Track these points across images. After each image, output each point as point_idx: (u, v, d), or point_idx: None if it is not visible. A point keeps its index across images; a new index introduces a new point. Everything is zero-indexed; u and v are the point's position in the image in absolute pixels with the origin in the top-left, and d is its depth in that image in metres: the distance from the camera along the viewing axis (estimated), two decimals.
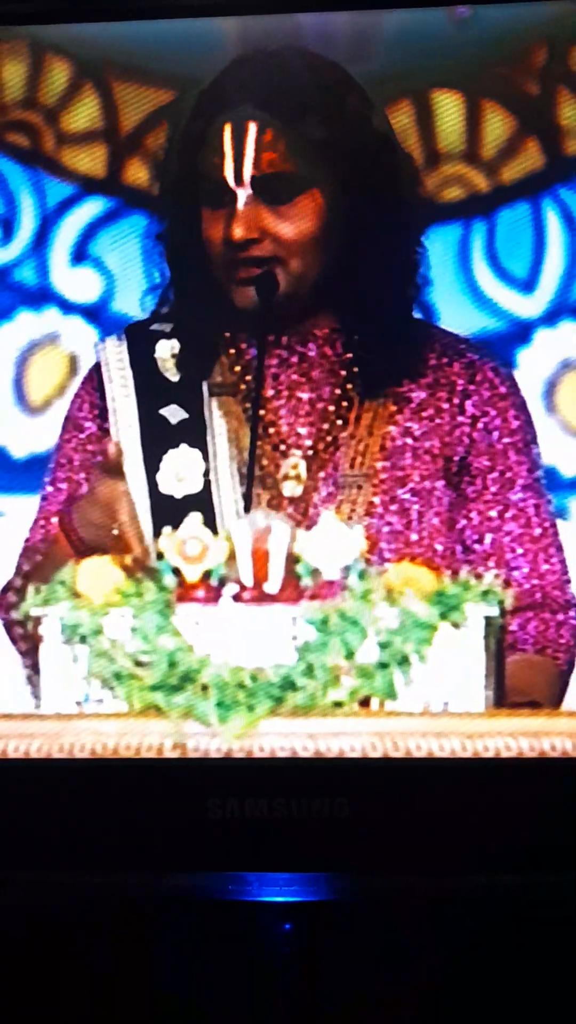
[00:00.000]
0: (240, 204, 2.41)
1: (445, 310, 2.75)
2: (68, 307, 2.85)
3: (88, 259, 2.85)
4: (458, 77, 2.82)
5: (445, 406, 2.49)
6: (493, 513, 2.47)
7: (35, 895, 2.12)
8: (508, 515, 2.47)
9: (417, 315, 2.54)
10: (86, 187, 2.84)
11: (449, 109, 2.83)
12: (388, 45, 2.78)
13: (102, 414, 2.51)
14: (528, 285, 2.82)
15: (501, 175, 2.82)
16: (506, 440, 2.49)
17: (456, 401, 2.49)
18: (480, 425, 2.48)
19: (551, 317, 2.81)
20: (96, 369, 2.55)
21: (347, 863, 2.03)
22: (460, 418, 2.49)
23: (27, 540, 2.53)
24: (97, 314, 2.83)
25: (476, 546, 2.47)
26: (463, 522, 2.48)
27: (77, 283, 2.84)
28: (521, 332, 2.81)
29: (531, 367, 2.80)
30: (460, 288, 2.80)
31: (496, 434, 2.49)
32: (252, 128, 2.41)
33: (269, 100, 2.41)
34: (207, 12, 2.74)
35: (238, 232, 2.41)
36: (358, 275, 2.45)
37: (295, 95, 2.43)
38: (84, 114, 2.85)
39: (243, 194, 2.41)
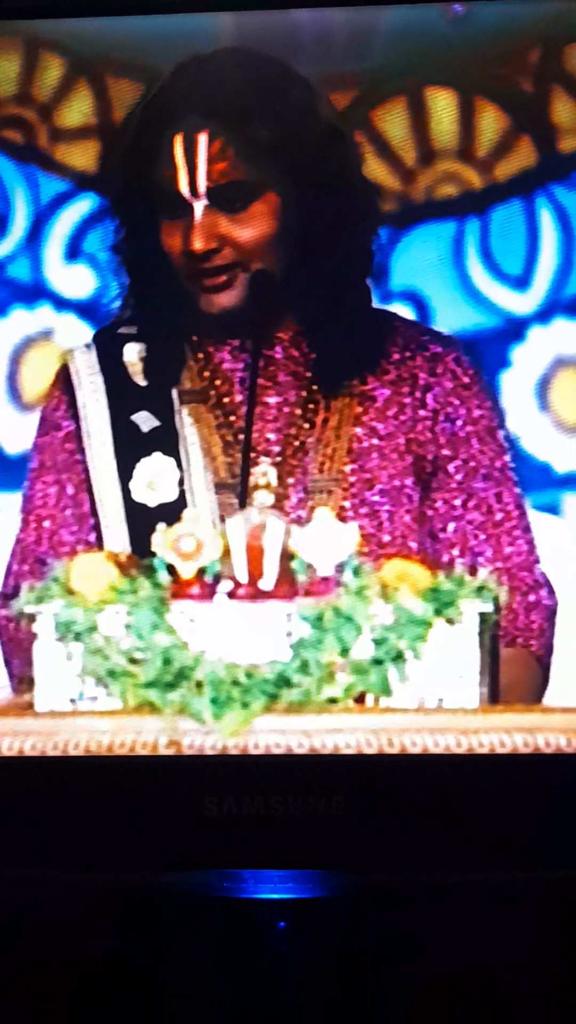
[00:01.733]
0: (197, 215, 2.43)
1: (439, 307, 2.75)
2: (62, 303, 2.84)
3: (82, 256, 2.84)
4: (452, 75, 2.82)
5: (407, 400, 2.49)
6: (457, 502, 2.47)
7: (28, 893, 2.11)
8: (471, 504, 2.47)
9: (379, 306, 2.54)
10: (80, 183, 2.84)
11: (443, 107, 2.83)
12: (383, 42, 2.78)
13: (77, 415, 2.51)
14: (522, 282, 2.82)
15: (495, 172, 2.82)
16: (468, 428, 2.49)
17: (417, 395, 2.50)
18: (442, 417, 2.49)
19: (545, 314, 2.81)
20: (66, 373, 2.54)
21: (342, 860, 2.03)
22: (421, 412, 2.49)
23: (20, 540, 2.52)
24: (91, 311, 2.82)
25: (441, 534, 2.47)
26: (430, 512, 2.48)
27: (71, 280, 2.84)
28: (515, 329, 2.81)
29: (525, 364, 2.80)
30: (454, 285, 2.80)
31: (459, 423, 2.49)
32: (202, 139, 2.43)
33: (214, 107, 2.43)
34: (202, 8, 2.74)
35: (198, 244, 2.42)
36: (317, 267, 2.45)
37: (238, 98, 2.44)
38: (78, 110, 2.85)
39: (199, 205, 2.43)
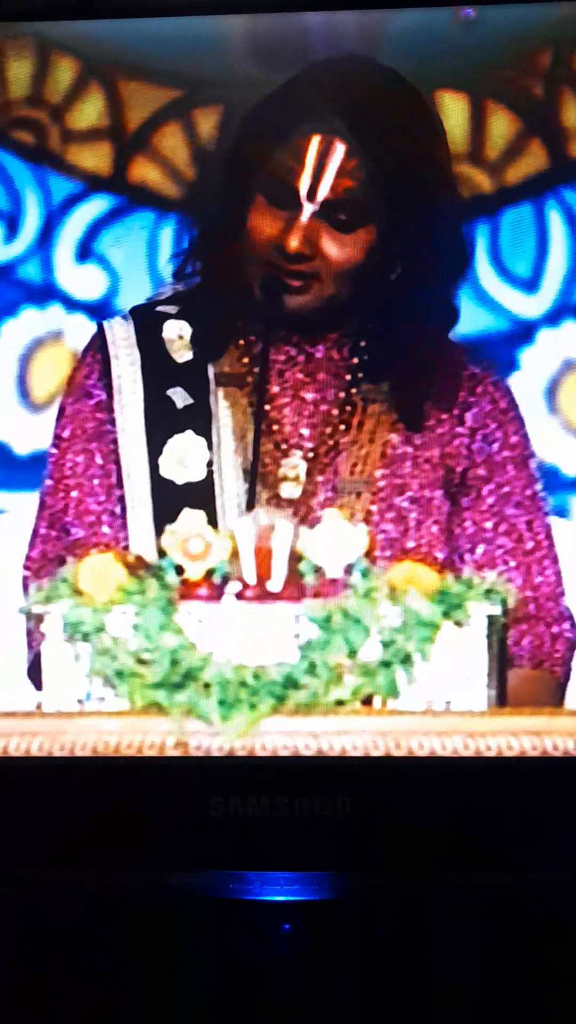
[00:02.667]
0: (304, 217, 2.40)
1: None
2: (72, 304, 2.85)
3: (92, 256, 2.85)
4: (463, 78, 2.82)
5: (445, 416, 2.49)
6: (488, 524, 2.48)
7: (35, 894, 2.11)
8: (501, 529, 2.47)
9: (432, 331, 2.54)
10: (91, 184, 2.84)
11: (454, 110, 2.83)
12: (393, 46, 2.78)
13: (109, 384, 2.51)
14: (531, 285, 2.82)
15: (505, 176, 2.82)
16: (505, 454, 2.50)
17: (456, 412, 2.50)
18: (479, 437, 2.49)
19: (554, 317, 2.82)
20: (102, 343, 2.53)
21: (348, 862, 2.02)
22: (459, 429, 2.49)
23: (49, 506, 2.51)
24: (101, 311, 2.83)
25: (468, 555, 2.47)
26: (458, 531, 2.48)
27: (81, 280, 2.84)
28: (524, 332, 2.81)
29: (534, 367, 2.81)
30: (464, 287, 2.80)
31: (496, 446, 2.49)
32: (339, 149, 2.39)
33: (359, 121, 2.39)
34: (213, 10, 2.74)
35: (294, 243, 2.40)
36: (388, 306, 2.44)
37: (379, 118, 2.41)
38: (90, 112, 2.85)
39: (310, 208, 2.41)
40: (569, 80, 2.83)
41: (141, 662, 1.91)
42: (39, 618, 1.94)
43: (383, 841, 2.00)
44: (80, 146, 2.85)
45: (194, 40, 2.74)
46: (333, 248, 2.42)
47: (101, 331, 2.53)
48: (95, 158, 2.85)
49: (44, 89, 2.85)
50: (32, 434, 2.84)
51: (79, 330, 2.82)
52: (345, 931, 2.12)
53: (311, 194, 2.41)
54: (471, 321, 2.76)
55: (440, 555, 2.46)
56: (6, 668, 2.52)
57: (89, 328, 2.75)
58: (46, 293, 2.85)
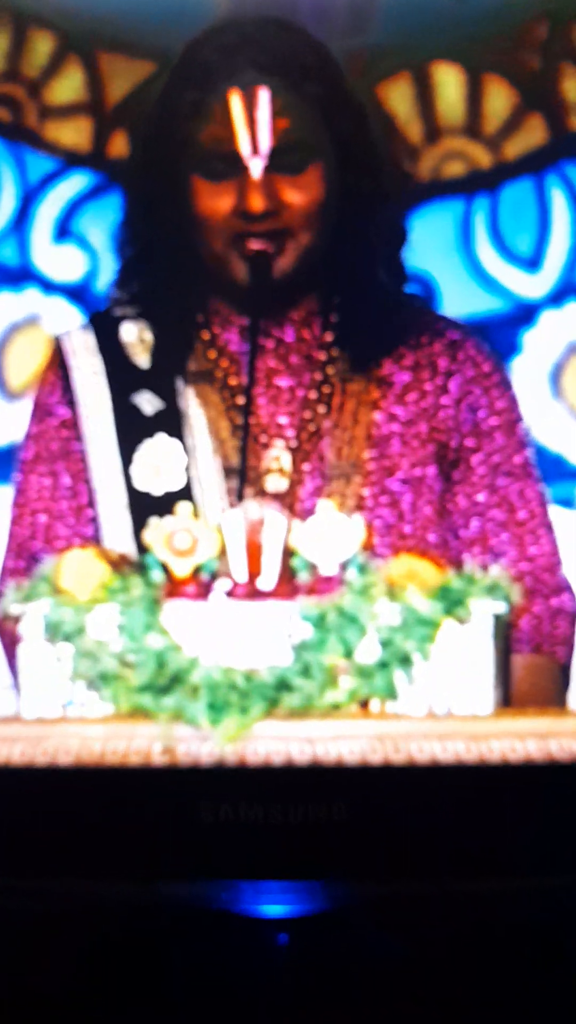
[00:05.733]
0: (255, 175, 2.34)
1: (447, 290, 2.71)
2: (50, 287, 2.81)
3: (71, 236, 2.81)
4: (458, 50, 2.81)
5: (428, 387, 2.42)
6: (480, 498, 2.41)
7: (17, 904, 2.06)
8: (493, 501, 2.41)
9: (400, 292, 2.48)
10: (70, 161, 2.81)
11: (449, 83, 2.81)
12: (387, 17, 2.76)
13: (73, 399, 2.44)
14: (533, 263, 2.78)
15: (504, 151, 2.79)
16: (492, 421, 2.43)
17: (439, 381, 2.43)
18: (464, 406, 2.42)
19: (557, 297, 2.78)
20: (61, 357, 2.46)
21: (345, 871, 1.97)
22: (443, 399, 2.43)
23: (13, 535, 2.45)
24: (80, 294, 2.79)
25: (462, 531, 2.40)
26: (451, 507, 2.41)
27: (60, 261, 2.81)
28: (526, 313, 2.78)
29: (537, 350, 2.77)
30: (463, 266, 2.76)
31: (481, 413, 2.43)
32: (263, 95, 2.34)
33: (271, 63, 2.34)
34: None
35: (256, 204, 2.33)
36: (346, 250, 2.39)
37: (293, 56, 2.36)
38: (68, 87, 2.83)
39: (257, 164, 2.34)
40: (567, 52, 2.80)
41: (126, 664, 1.87)
42: (16, 619, 1.89)
43: (381, 850, 1.96)
44: (58, 122, 2.82)
45: (177, 13, 2.70)
46: (294, 194, 2.36)
47: (59, 345, 2.47)
48: (74, 134, 2.82)
49: (21, 64, 2.82)
50: (9, 423, 2.81)
51: (57, 314, 2.78)
52: (343, 942, 2.07)
53: (254, 148, 2.34)
54: (471, 302, 2.72)
55: (433, 537, 2.38)
56: None
57: (67, 312, 2.70)
58: (22, 275, 2.81)
